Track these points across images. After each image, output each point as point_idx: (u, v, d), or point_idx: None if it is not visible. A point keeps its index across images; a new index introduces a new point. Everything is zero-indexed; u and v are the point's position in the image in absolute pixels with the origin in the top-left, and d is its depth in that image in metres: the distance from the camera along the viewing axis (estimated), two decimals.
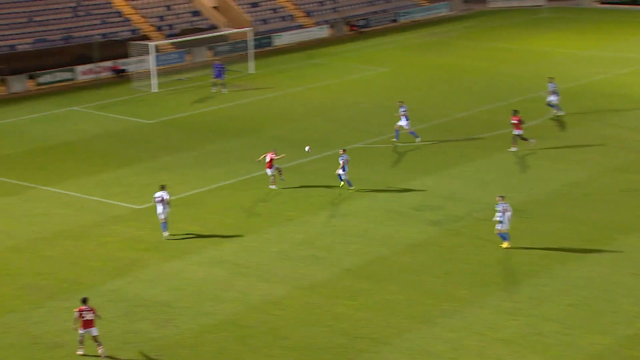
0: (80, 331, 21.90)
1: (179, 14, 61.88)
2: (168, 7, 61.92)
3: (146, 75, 51.77)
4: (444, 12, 74.73)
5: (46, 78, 50.89)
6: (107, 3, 59.10)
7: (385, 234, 29.13)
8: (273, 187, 32.92)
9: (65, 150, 38.85)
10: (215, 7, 64.24)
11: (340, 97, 47.93)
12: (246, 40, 57.57)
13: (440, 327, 22.96)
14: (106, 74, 53.34)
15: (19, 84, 49.64)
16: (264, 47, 62.42)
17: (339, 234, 29.13)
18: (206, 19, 62.53)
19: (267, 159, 32.83)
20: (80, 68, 52.38)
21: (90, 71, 52.69)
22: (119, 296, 24.71)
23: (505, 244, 27.60)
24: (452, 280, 25.55)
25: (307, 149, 33.74)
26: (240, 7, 65.14)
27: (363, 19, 69.92)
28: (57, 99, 48.31)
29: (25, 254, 27.64)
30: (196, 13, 62.78)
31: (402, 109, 38.29)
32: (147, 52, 52.23)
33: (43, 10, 55.88)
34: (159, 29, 59.76)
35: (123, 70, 53.78)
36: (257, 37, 62.37)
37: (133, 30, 57.87)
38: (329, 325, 23.18)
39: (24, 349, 22.10)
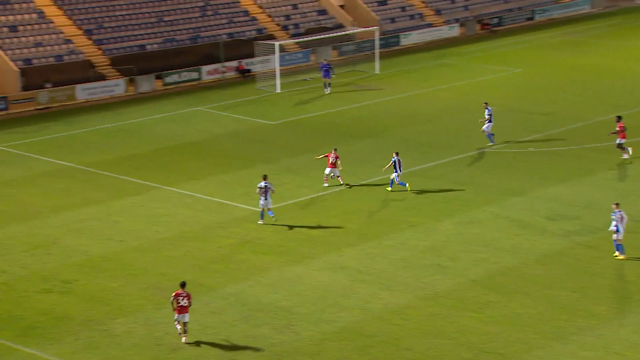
0: (175, 316, 22.84)
1: (305, 12, 62.54)
2: (294, 6, 62.71)
3: (270, 75, 52.56)
4: (585, 9, 72.37)
5: (173, 78, 52.46)
6: (234, 2, 60.43)
7: (515, 243, 28.42)
8: (325, 184, 33.69)
9: (189, 150, 39.84)
10: (341, 6, 64.55)
11: (469, 99, 47.24)
12: (372, 40, 57.56)
13: (574, 345, 22.17)
14: (231, 74, 54.51)
15: (147, 84, 51.41)
16: (391, 46, 62.22)
17: (465, 243, 28.64)
18: (332, 18, 62.92)
19: (331, 160, 33.38)
20: (206, 68, 53.73)
21: (215, 71, 53.98)
22: (239, 300, 25.12)
23: (619, 256, 26.74)
24: (588, 295, 24.65)
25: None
26: (368, 5, 65.18)
27: (496, 17, 68.63)
28: (182, 98, 49.68)
29: (149, 254, 28.54)
30: (322, 12, 63.28)
31: (488, 111, 38.57)
32: (272, 52, 53.03)
33: (172, 10, 57.70)
34: (285, 28, 60.60)
35: (248, 70, 54.77)
36: (384, 36, 62.25)
37: (259, 30, 58.91)
38: (453, 337, 22.80)
39: (147, 349, 22.77)
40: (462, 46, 62.83)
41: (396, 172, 33.07)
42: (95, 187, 34.90)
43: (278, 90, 50.93)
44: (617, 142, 35.93)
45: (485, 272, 26.35)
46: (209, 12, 58.83)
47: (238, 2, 60.73)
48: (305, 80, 53.73)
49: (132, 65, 51.85)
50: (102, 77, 50.94)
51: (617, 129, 35.91)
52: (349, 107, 46.87)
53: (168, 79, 52.38)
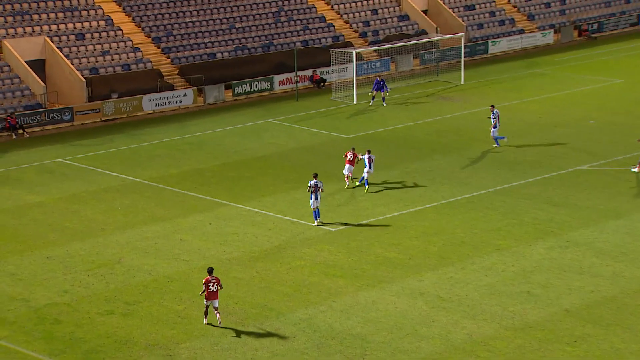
0: (205, 302, 25.17)
1: (385, 18, 62.68)
2: (374, 12, 62.91)
3: (347, 85, 52.78)
4: None
5: (243, 88, 53.12)
6: (310, 8, 60.99)
7: (615, 271, 27.83)
8: (347, 183, 35.93)
9: (259, 164, 40.21)
10: (424, 11, 64.50)
11: (565, 113, 46.60)
12: (458, 48, 57.31)
13: None
14: (305, 84, 54.93)
15: (216, 94, 52.19)
16: (478, 54, 61.85)
17: (558, 269, 28.17)
18: (414, 24, 62.91)
19: (349, 158, 35.73)
20: (278, 77, 54.29)
21: (288, 81, 54.49)
22: (310, 326, 25.18)
23: None
24: None
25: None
26: (454, 10, 64.97)
27: (596, 23, 67.58)
28: (253, 110, 50.25)
29: (216, 275, 28.84)
30: (404, 17, 63.32)
31: (493, 114, 40.88)
32: (349, 61, 53.27)
33: (244, 16, 58.46)
34: (363, 35, 60.82)
35: (323, 81, 55.08)
36: (471, 43, 61.92)
37: (335, 37, 59.27)
38: None
39: None
40: (556, 54, 61.99)
41: (367, 169, 35.18)
42: (161, 203, 35.51)
43: (355, 101, 51.09)
44: None
45: (581, 301, 25.86)
46: (283, 19, 59.46)
47: (314, 7, 61.23)
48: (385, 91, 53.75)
49: (201, 74, 52.73)
50: (170, 87, 51.92)
51: None
52: (430, 120, 46.71)
53: (238, 89, 53.07)
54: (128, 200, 35.91)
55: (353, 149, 36.33)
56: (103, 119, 49.00)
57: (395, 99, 51.54)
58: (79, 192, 37.05)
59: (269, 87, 53.90)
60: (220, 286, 25.23)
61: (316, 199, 31.94)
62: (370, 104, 49.37)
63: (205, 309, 25.25)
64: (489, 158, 39.76)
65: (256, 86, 53.43)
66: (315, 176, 32.37)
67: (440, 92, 52.88)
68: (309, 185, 32.00)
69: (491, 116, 41.04)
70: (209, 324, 25.30)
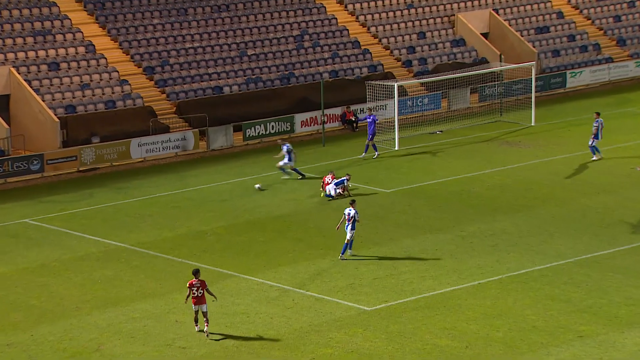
0: (194, 307, 29.71)
1: (435, 43, 63.11)
2: (421, 35, 63.41)
3: (387, 126, 52.97)
4: None
5: (257, 130, 53.44)
6: (340, 30, 61.55)
7: None
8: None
9: (275, 226, 40.24)
10: (485, 34, 64.92)
11: None
12: (528, 80, 57.46)
13: None
14: (334, 125, 55.11)
15: (223, 138, 52.53)
16: (554, 88, 61.96)
17: None
18: (472, 51, 63.27)
19: (327, 181, 42.37)
20: (300, 116, 54.62)
21: (313, 121, 54.77)
22: None
23: None
24: None
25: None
26: (522, 33, 65.32)
27: None
28: (268, 157, 50.27)
29: None
30: (459, 42, 63.72)
31: (596, 123, 46.71)
32: (389, 96, 53.52)
33: (259, 41, 58.99)
34: (407, 64, 61.23)
35: (356, 120, 55.26)
36: (544, 74, 62.08)
37: (372, 66, 59.69)
38: None
39: None
40: None
41: (288, 161, 42.57)
42: (152, 274, 35.56)
43: (396, 147, 51.17)
44: None
45: None
46: (307, 44, 60.02)
47: (345, 29, 61.81)
48: (435, 134, 53.89)
49: (204, 113, 53.19)
50: (166, 129, 52.40)
51: None
52: (492, 171, 46.66)
53: (250, 132, 53.40)
54: (110, 271, 36.00)
55: (332, 173, 43.26)
56: (81, 169, 49.43)
57: (447, 144, 51.55)
58: (49, 262, 37.21)
59: (288, 129, 54.20)
60: (209, 292, 29.58)
61: (352, 228, 35.48)
62: (374, 156, 49.14)
63: (194, 315, 29.76)
64: (567, 219, 39.57)
65: (273, 127, 53.75)
66: (352, 203, 35.85)
67: (505, 136, 52.87)
68: (345, 214, 35.78)
69: (594, 124, 46.32)
70: (200, 330, 29.70)
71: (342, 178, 43.14)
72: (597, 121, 47.07)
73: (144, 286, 34.40)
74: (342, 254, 35.98)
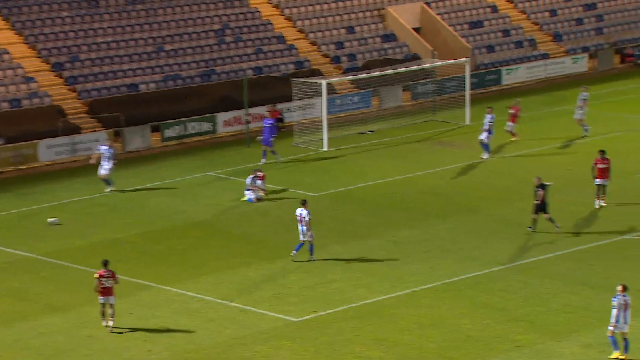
0: (100, 299, 30.53)
1: (365, 38, 63.25)
2: (350, 29, 63.51)
3: (314, 126, 52.93)
4: None
5: (175, 130, 53.08)
6: (264, 24, 61.43)
7: None
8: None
9: (196, 233, 40.04)
10: (417, 29, 65.22)
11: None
12: (461, 77, 57.80)
13: None
14: (258, 124, 54.92)
15: (140, 139, 52.13)
16: (489, 86, 62.40)
17: None
18: (403, 46, 63.52)
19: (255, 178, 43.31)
20: (222, 116, 54.39)
21: (236, 120, 54.56)
22: None
23: (615, 354, 27.97)
24: None
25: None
26: (455, 28, 65.74)
27: None
28: (188, 159, 50.10)
29: None
30: (389, 37, 63.95)
31: (489, 118, 48.34)
32: (317, 94, 53.52)
33: (177, 35, 58.65)
34: (335, 60, 61.29)
35: (282, 120, 55.11)
36: (479, 71, 62.51)
37: (298, 63, 59.65)
38: None
39: None
40: (592, 86, 62.60)
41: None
42: (62, 286, 35.12)
43: (325, 148, 51.18)
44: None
45: None
46: (229, 38, 59.80)
47: (270, 23, 61.71)
48: (365, 134, 53.98)
49: (119, 112, 52.72)
50: (76, 130, 51.83)
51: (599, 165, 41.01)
52: (425, 173, 46.87)
53: (169, 132, 53.05)
54: (16, 283, 35.50)
55: (255, 171, 43.86)
56: None
57: (378, 145, 51.68)
58: None
59: (210, 129, 53.97)
60: (117, 280, 30.76)
61: (307, 229, 35.92)
62: (277, 160, 48.51)
63: (100, 308, 30.52)
64: (503, 223, 39.86)
65: (193, 128, 53.47)
66: (304, 203, 36.20)
67: (439, 136, 53.14)
68: (297, 215, 36.06)
69: (485, 120, 48.11)
70: (106, 325, 30.63)
71: (249, 176, 43.33)
72: (490, 116, 48.37)
73: (53, 299, 33.98)
74: (311, 254, 36.50)
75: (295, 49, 60.56)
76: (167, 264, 36.85)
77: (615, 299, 28.50)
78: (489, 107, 49.24)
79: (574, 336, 30.32)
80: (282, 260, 36.65)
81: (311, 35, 62.38)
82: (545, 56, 65.63)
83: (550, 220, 38.50)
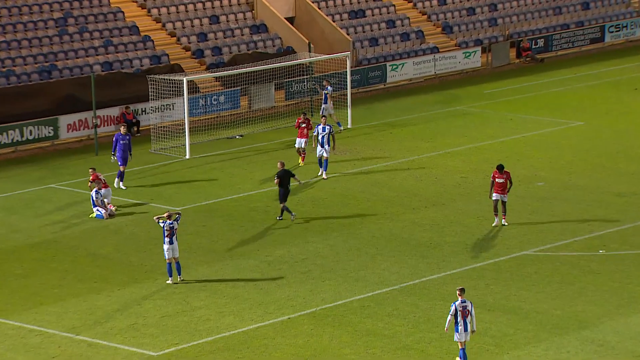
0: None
1: (231, 29, 63.14)
2: (214, 19, 63.33)
3: (174, 130, 52.60)
4: None
5: (9, 136, 52.26)
6: (114, 12, 60.85)
7: None
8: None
9: (36, 255, 39.52)
10: (290, 19, 65.36)
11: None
12: (342, 73, 58.07)
13: None
14: (109, 129, 54.41)
15: None
16: (372, 84, 62.83)
17: None
18: (275, 38, 63.58)
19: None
20: (66, 119, 53.71)
21: (82, 124, 53.94)
22: None
23: None
24: None
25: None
26: (334, 17, 66.05)
27: (541, 38, 69.82)
28: (26, 170, 49.48)
29: None
30: (259, 28, 63.96)
31: (327, 90, 53.27)
32: (177, 93, 53.21)
33: (10, 25, 57.72)
34: (198, 54, 61.04)
35: (137, 123, 54.72)
36: (361, 67, 62.89)
37: (155, 57, 59.26)
38: None
39: None
40: (486, 84, 63.58)
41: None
42: None
43: (187, 155, 50.95)
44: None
45: None
46: (72, 29, 59.14)
47: (120, 11, 61.20)
48: (234, 138, 53.88)
49: None
50: None
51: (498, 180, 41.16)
52: (298, 183, 47.00)
53: (1, 138, 52.28)
54: None
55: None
56: None
57: (249, 151, 51.61)
58: None
59: (51, 135, 53.32)
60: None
61: (171, 243, 36.07)
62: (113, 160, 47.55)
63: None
64: (391, 239, 40.12)
65: (31, 133, 52.81)
66: (170, 217, 36.14)
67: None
68: (162, 225, 36.30)
69: (324, 90, 53.01)
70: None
71: (94, 189, 42.98)
72: (327, 88, 53.17)
73: None
74: (179, 275, 36.62)
75: (152, 41, 60.17)
76: (1, 292, 36.21)
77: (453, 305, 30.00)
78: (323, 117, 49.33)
79: None
80: (138, 285, 36.32)
81: (169, 26, 62.04)
82: (434, 50, 66.30)
83: (286, 209, 41.87)
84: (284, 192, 41.92)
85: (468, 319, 29.88)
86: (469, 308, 29.90)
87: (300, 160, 48.82)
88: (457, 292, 29.98)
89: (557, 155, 50.01)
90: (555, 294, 35.24)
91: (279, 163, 42.14)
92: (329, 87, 54.19)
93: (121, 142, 46.53)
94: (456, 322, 29.86)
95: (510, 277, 36.68)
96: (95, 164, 49.71)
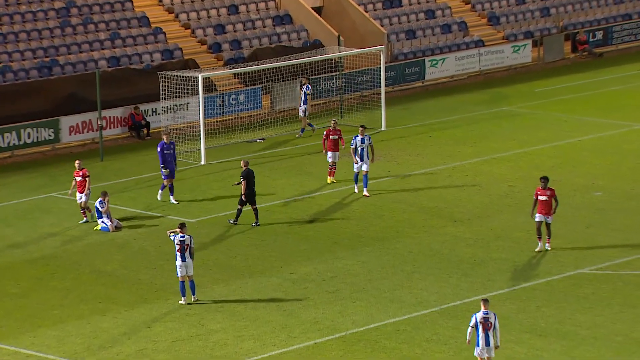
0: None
1: (252, 21, 63.20)
2: (233, 9, 63.33)
3: (189, 133, 52.62)
4: None
5: (5, 139, 52.46)
6: (122, 2, 60.94)
7: None
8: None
9: (35, 272, 39.66)
10: (318, 9, 65.34)
11: (554, 178, 47.37)
12: (376, 70, 58.05)
13: None
14: (116, 132, 54.51)
15: None
16: (410, 81, 62.86)
17: None
18: (301, 31, 63.60)
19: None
20: (67, 120, 53.86)
21: (86, 126, 54.07)
22: None
23: None
24: None
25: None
26: (366, 7, 65.99)
27: (600, 30, 69.63)
28: (24, 177, 49.69)
29: None
30: (283, 20, 64.01)
31: (306, 89, 53.54)
32: (191, 92, 53.24)
33: (6, 15, 57.98)
34: (215, 49, 61.13)
35: (146, 125, 54.80)
36: (396, 63, 62.87)
37: (167, 52, 59.36)
38: None
39: None
40: (537, 82, 63.49)
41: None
42: None
43: (203, 161, 50.99)
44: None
45: None
46: (75, 20, 59.32)
47: (129, 0, 61.31)
48: (255, 142, 53.93)
49: None
50: None
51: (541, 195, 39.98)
52: (330, 192, 46.99)
53: None
54: None
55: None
56: None
57: (271, 156, 51.64)
58: None
59: (52, 138, 53.52)
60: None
61: (184, 260, 35.89)
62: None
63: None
64: (430, 255, 40.06)
65: (29, 136, 53.05)
66: (182, 227, 36.05)
67: (347, 146, 53.25)
68: (175, 240, 35.89)
69: (303, 91, 53.58)
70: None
71: (99, 199, 43.10)
72: (306, 86, 53.82)
73: None
74: (193, 294, 36.70)
75: (163, 33, 60.31)
76: None
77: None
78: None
79: None
80: (148, 306, 36.36)
81: (183, 16, 62.17)
82: (479, 44, 66.20)
83: (255, 211, 43.01)
84: (250, 194, 42.42)
85: (490, 332, 29.96)
86: (492, 320, 29.98)
87: (329, 177, 47.94)
88: (481, 303, 30.08)
89: (618, 162, 49.93)
90: (616, 318, 35.07)
91: (242, 162, 42.79)
92: (308, 86, 54.61)
93: (165, 152, 45.88)
94: (477, 336, 29.98)
95: (565, 299, 36.53)
96: (100, 171, 49.93)
